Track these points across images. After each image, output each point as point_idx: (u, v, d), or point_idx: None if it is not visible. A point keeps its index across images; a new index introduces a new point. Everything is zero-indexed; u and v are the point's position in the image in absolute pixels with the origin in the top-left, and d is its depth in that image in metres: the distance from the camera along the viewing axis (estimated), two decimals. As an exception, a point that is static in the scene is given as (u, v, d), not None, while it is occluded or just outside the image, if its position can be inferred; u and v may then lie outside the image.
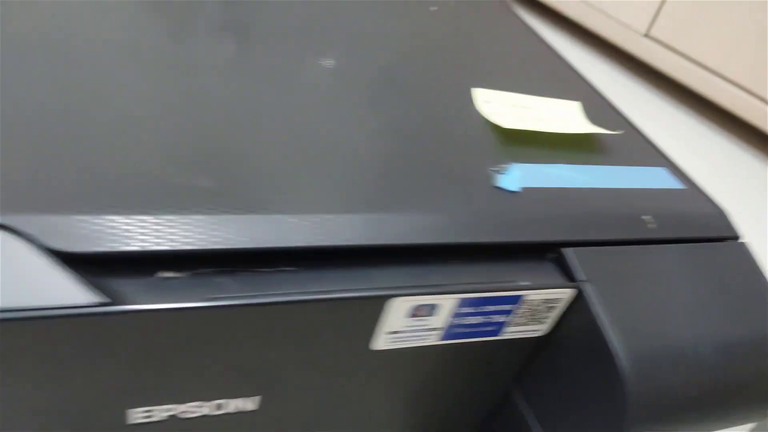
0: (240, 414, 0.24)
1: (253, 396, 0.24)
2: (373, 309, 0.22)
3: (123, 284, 0.20)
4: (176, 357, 0.21)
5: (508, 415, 0.30)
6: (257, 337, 0.21)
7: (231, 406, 0.24)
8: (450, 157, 0.28)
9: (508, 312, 0.25)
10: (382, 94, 0.32)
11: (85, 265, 0.19)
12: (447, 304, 0.24)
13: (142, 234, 0.20)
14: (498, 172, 0.28)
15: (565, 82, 0.39)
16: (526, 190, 0.28)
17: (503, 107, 0.32)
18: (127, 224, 0.20)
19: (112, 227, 0.20)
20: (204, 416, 0.23)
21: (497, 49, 0.41)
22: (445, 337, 0.25)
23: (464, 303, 0.24)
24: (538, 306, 0.25)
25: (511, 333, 0.26)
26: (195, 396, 0.23)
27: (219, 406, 0.23)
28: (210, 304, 0.19)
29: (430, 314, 0.24)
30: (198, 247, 0.21)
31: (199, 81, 0.28)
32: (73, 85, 0.25)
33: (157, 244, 0.20)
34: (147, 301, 0.19)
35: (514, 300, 0.25)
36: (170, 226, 0.21)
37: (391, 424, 0.29)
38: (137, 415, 0.22)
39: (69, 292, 0.18)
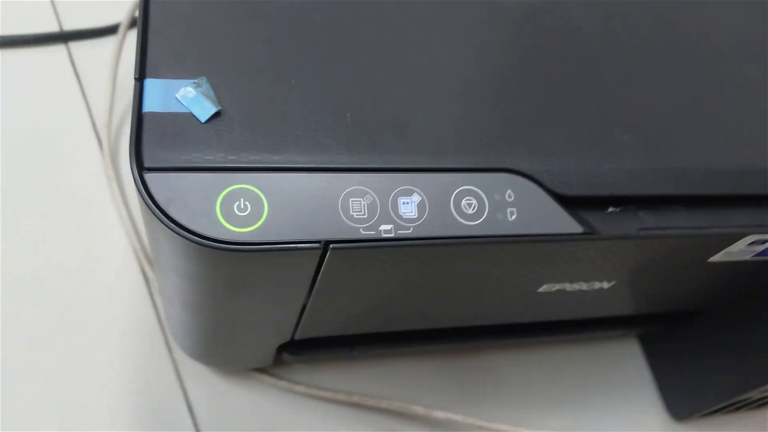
0: (599, 290, 0.34)
1: (609, 281, 0.34)
2: (733, 239, 0.31)
3: (590, 216, 0.28)
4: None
5: (753, 301, 0.40)
6: (658, 257, 0.31)
7: (596, 285, 0.34)
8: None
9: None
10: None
11: (569, 203, 0.28)
12: (776, 238, 0.32)
13: (607, 179, 0.28)
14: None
15: None
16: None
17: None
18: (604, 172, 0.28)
19: (595, 175, 0.28)
20: (580, 290, 0.34)
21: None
22: (758, 255, 0.34)
23: (788, 238, 0.32)
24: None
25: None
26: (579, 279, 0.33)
27: (590, 285, 0.34)
28: (657, 233, 0.28)
29: (761, 244, 0.32)
30: (630, 192, 0.29)
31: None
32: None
33: (611, 189, 0.28)
34: (611, 231, 0.28)
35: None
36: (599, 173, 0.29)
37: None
38: (545, 287, 0.33)
39: (569, 224, 0.27)
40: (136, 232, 0.45)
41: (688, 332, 0.46)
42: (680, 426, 0.49)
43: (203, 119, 0.25)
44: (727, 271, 0.36)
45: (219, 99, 0.26)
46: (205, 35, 0.28)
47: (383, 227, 0.25)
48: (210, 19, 0.28)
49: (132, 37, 0.51)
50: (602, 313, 0.41)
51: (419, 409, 0.41)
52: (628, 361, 0.50)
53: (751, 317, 0.41)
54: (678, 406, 0.48)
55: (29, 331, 0.41)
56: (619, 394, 0.49)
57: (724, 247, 0.32)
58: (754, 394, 0.43)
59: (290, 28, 0.29)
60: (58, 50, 0.53)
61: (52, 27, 0.53)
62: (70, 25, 0.54)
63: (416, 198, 0.26)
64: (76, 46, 0.53)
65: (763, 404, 0.46)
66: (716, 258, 0.33)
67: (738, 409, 0.46)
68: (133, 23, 0.52)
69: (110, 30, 0.54)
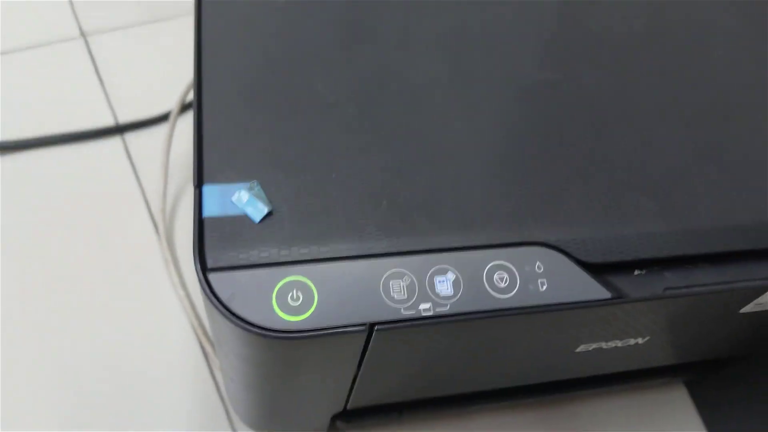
0: (635, 345, 0.36)
1: (644, 337, 0.35)
2: (759, 291, 0.32)
3: (616, 280, 0.30)
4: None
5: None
6: (679, 315, 0.32)
7: (631, 341, 0.35)
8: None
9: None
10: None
11: (596, 269, 0.30)
12: (804, 287, 0.33)
13: (630, 244, 0.30)
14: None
15: None
16: None
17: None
18: (627, 237, 0.30)
19: (618, 240, 0.30)
20: (615, 347, 0.35)
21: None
22: (787, 304, 0.35)
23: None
24: None
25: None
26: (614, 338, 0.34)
27: (625, 342, 0.35)
28: (683, 291, 0.30)
29: (790, 294, 0.33)
30: (653, 255, 0.30)
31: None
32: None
33: (634, 254, 0.30)
34: (638, 293, 0.30)
35: None
36: (621, 238, 0.31)
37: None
38: (581, 347, 0.34)
39: (597, 290, 0.29)
40: (194, 310, 0.48)
41: (735, 377, 0.46)
42: (735, 472, 0.48)
43: (257, 220, 0.28)
44: (764, 318, 0.36)
45: (269, 198, 0.29)
46: (252, 137, 0.31)
47: (422, 306, 0.27)
48: (255, 120, 0.32)
49: (182, 122, 0.56)
50: (643, 365, 0.42)
51: (470, 468, 0.42)
52: (677, 408, 0.50)
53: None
54: (731, 452, 0.48)
55: (96, 409, 0.44)
56: (671, 441, 0.49)
57: (753, 299, 0.33)
58: (807, 438, 0.43)
59: (326, 122, 0.32)
60: (114, 142, 0.57)
61: (108, 121, 0.58)
62: (124, 117, 0.59)
63: (451, 276, 0.28)
64: (130, 136, 0.58)
65: (818, 447, 0.46)
66: (747, 309, 0.34)
67: (793, 452, 0.46)
68: (182, 109, 0.57)
69: (161, 118, 0.59)
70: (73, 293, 0.48)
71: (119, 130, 0.58)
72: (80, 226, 0.52)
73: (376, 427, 0.45)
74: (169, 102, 0.58)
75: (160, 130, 0.58)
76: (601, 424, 0.48)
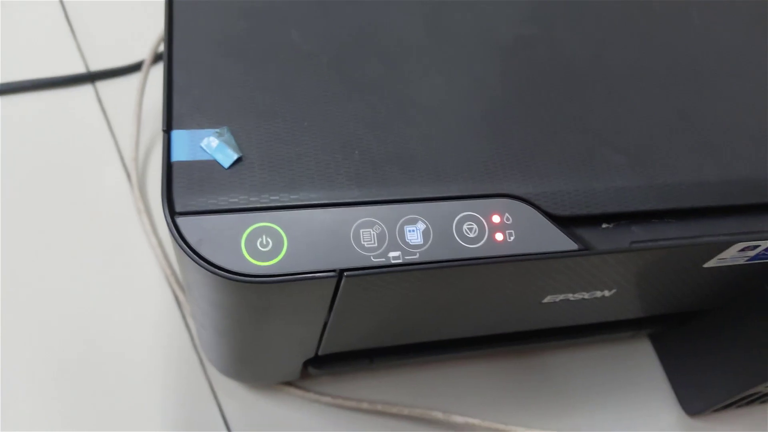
0: (602, 298, 0.36)
1: (610, 290, 0.36)
2: (722, 247, 0.33)
3: (584, 233, 0.31)
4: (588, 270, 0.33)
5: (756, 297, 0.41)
6: (652, 267, 0.33)
7: (597, 294, 0.36)
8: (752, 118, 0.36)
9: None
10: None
11: (564, 221, 0.30)
12: (765, 244, 0.34)
13: (599, 198, 0.30)
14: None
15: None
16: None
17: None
18: (596, 191, 0.31)
19: (586, 194, 0.30)
20: (582, 299, 0.36)
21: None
22: (751, 259, 0.35)
23: (777, 242, 0.34)
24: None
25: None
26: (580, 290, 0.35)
27: (592, 294, 0.36)
28: (648, 245, 0.30)
29: (752, 249, 0.34)
30: (621, 209, 0.31)
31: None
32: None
33: (603, 207, 0.31)
34: (605, 246, 0.30)
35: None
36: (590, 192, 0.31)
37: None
38: (548, 298, 0.35)
39: (564, 241, 0.30)
40: (167, 259, 0.48)
41: (697, 330, 0.48)
42: (694, 421, 0.50)
43: (226, 165, 0.28)
44: (725, 273, 0.37)
45: (239, 145, 0.29)
46: (223, 84, 0.31)
47: (392, 254, 0.28)
48: (227, 67, 0.31)
49: (155, 73, 0.55)
50: (609, 317, 0.43)
51: (438, 415, 0.43)
52: (641, 360, 0.52)
53: (756, 314, 0.42)
54: (691, 402, 0.50)
55: (65, 363, 0.44)
56: (634, 393, 0.51)
57: (716, 255, 0.34)
58: (762, 389, 0.45)
59: (301, 72, 0.32)
60: (85, 90, 0.56)
61: (79, 68, 0.57)
62: (95, 66, 0.57)
63: (421, 226, 0.28)
64: (102, 84, 0.57)
65: (774, 398, 0.48)
66: (710, 264, 0.35)
67: (749, 403, 0.48)
68: (155, 59, 0.56)
69: (134, 68, 0.58)
70: (43, 243, 0.48)
71: (91, 78, 0.57)
72: (51, 175, 0.51)
73: (348, 373, 0.46)
74: (143, 51, 0.56)
75: (133, 79, 0.57)
76: (569, 375, 0.50)
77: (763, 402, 0.49)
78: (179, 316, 0.47)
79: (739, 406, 0.48)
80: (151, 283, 0.48)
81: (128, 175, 0.52)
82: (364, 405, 0.44)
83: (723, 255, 0.34)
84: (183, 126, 0.29)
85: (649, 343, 0.53)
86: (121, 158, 0.53)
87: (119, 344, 0.45)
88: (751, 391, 0.45)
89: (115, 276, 0.48)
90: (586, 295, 0.36)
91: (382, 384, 0.46)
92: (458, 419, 0.43)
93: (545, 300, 0.35)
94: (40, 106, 0.54)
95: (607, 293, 0.36)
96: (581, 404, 0.49)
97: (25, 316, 0.45)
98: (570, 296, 0.35)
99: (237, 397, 0.45)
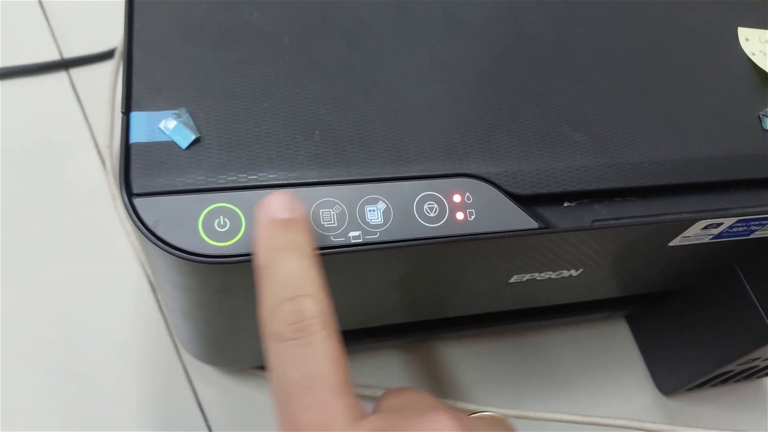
0: (569, 277, 0.37)
1: (577, 269, 0.36)
2: (685, 225, 0.33)
3: (545, 212, 0.31)
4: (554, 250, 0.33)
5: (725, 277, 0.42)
6: (612, 243, 0.33)
7: (564, 273, 0.36)
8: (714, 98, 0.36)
9: (764, 225, 0.35)
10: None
11: (525, 200, 0.30)
12: (728, 222, 0.34)
13: (560, 177, 0.30)
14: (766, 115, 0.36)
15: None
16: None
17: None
18: (557, 170, 0.31)
19: (548, 173, 0.30)
20: (549, 278, 0.36)
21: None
22: (715, 237, 0.36)
23: (739, 222, 0.34)
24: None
25: (757, 234, 0.37)
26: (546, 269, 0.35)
27: (558, 273, 0.36)
28: (610, 223, 0.30)
29: (716, 227, 0.34)
30: (583, 188, 0.31)
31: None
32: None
33: (564, 186, 0.31)
34: (566, 224, 0.30)
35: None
36: (552, 171, 0.31)
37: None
38: (515, 278, 0.35)
39: (525, 220, 0.30)
40: (141, 244, 0.48)
41: (670, 310, 0.48)
42: (669, 400, 0.51)
43: (184, 146, 0.28)
44: (693, 253, 0.38)
45: (198, 126, 0.29)
46: (184, 66, 0.30)
47: (352, 234, 0.28)
48: (187, 49, 0.31)
49: (128, 60, 0.54)
50: (581, 297, 0.43)
51: (412, 397, 0.43)
52: (618, 341, 0.53)
53: (725, 293, 0.43)
54: (665, 382, 0.51)
55: (42, 345, 0.44)
56: (610, 373, 0.51)
57: (680, 233, 0.34)
58: (734, 367, 0.45)
59: (261, 52, 0.32)
60: (59, 77, 0.56)
61: (53, 55, 0.56)
62: (69, 53, 0.57)
63: (381, 205, 0.28)
64: (76, 72, 0.56)
65: (746, 377, 0.48)
66: (675, 242, 0.35)
67: (723, 381, 0.48)
68: (128, 47, 0.55)
69: (108, 55, 0.57)
70: (18, 230, 0.48)
71: (65, 65, 0.57)
72: (25, 162, 0.51)
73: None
74: (117, 38, 0.56)
75: (107, 66, 0.56)
76: (546, 355, 0.50)
77: (736, 381, 0.49)
78: (154, 302, 0.47)
79: (714, 385, 0.49)
80: (125, 270, 0.48)
81: (103, 162, 0.52)
82: (339, 388, 0.44)
83: (687, 233, 0.34)
84: (142, 108, 0.29)
85: (626, 324, 0.53)
86: (96, 145, 0.53)
87: (93, 331, 0.45)
88: (723, 370, 0.45)
89: (89, 262, 0.48)
90: (553, 275, 0.36)
91: (357, 367, 0.46)
92: (432, 401, 0.43)
93: (512, 280, 0.35)
94: (14, 94, 0.54)
95: (574, 273, 0.36)
96: (558, 384, 0.50)
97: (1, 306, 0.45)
98: (537, 275, 0.35)
99: (212, 382, 0.45)
